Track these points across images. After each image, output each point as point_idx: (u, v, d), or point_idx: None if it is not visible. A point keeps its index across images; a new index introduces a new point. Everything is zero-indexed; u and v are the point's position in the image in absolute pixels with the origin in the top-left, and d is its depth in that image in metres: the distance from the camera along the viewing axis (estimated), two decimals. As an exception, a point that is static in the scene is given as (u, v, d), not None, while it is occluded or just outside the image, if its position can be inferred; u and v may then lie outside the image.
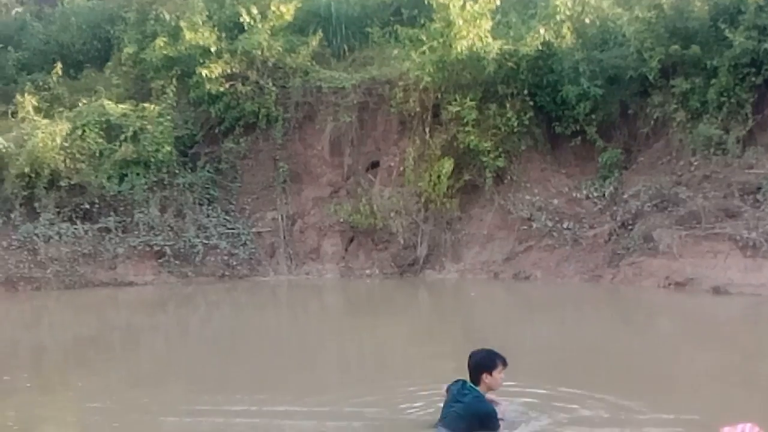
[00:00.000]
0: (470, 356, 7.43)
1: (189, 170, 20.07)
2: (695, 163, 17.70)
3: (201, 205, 19.77)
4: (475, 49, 18.75)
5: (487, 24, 18.86)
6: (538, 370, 9.63)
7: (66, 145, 18.89)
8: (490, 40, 18.82)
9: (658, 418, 8.06)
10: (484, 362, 7.33)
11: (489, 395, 7.42)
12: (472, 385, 7.30)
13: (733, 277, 15.59)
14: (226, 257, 19.09)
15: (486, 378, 7.27)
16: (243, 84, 20.37)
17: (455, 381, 7.47)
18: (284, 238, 19.78)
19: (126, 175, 19.32)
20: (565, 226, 18.25)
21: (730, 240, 16.08)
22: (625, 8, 19.50)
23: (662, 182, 17.68)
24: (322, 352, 12.40)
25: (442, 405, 7.53)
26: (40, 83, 21.30)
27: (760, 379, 9.98)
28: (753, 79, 17.28)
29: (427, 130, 19.52)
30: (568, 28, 19.07)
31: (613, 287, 16.68)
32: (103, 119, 19.55)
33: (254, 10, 20.23)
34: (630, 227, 17.47)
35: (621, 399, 8.50)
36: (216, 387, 9.77)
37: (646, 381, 9.46)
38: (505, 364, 7.34)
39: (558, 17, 19.14)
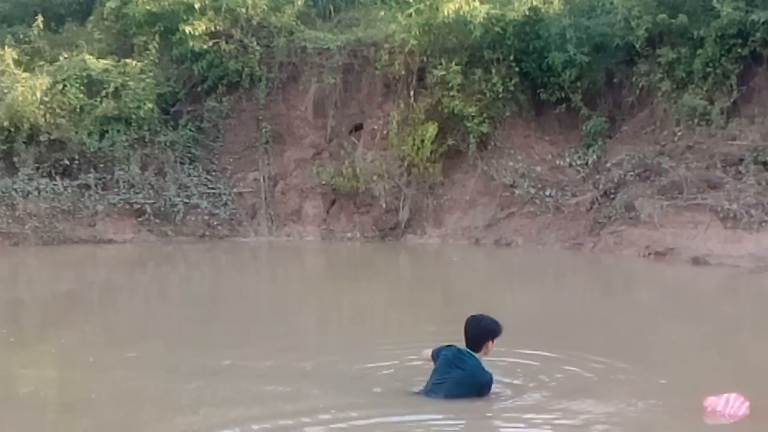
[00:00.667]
0: (472, 321, 7.16)
1: (170, 128, 19.92)
2: (679, 134, 17.70)
3: (182, 163, 19.64)
4: (461, 13, 18.61)
5: (474, -12, 18.71)
6: (517, 335, 9.62)
7: (46, 99, 18.67)
8: (477, 4, 18.69)
9: (640, 383, 8.09)
10: (491, 327, 7.10)
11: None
12: (470, 351, 7.14)
13: (713, 247, 15.66)
14: (206, 217, 19.00)
15: (489, 344, 7.13)
16: (227, 42, 20.17)
17: (446, 346, 7.26)
18: (265, 199, 19.70)
19: (107, 131, 19.14)
20: (547, 193, 18.26)
21: (711, 211, 16.14)
22: (614, -25, 19.37)
23: (645, 152, 17.69)
24: (301, 313, 12.37)
25: (431, 370, 7.37)
26: (21, 36, 20.98)
27: (736, 348, 10.06)
28: (739, 50, 17.25)
29: (411, 93, 19.43)
30: (556, -7, 18.95)
31: (593, 256, 16.74)
32: (84, 74, 19.31)
33: (240, -32, 19.98)
34: (612, 196, 17.49)
35: (600, 363, 8.53)
36: (195, 346, 9.72)
37: (625, 347, 9.49)
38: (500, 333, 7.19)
39: (546, -18, 18.99)
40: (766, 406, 6.96)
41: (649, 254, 16.15)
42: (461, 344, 7.18)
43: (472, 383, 7.03)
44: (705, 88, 17.55)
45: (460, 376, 7.01)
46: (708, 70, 17.48)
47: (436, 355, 7.30)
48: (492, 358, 7.41)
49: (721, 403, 6.86)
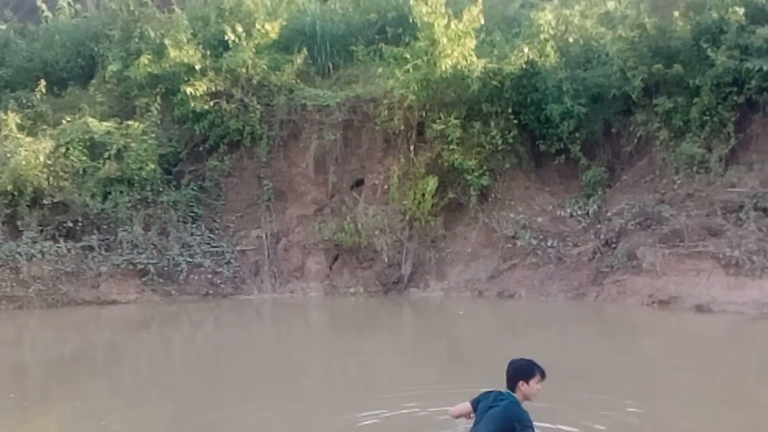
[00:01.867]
0: (509, 363, 7.32)
1: (173, 188, 20.04)
2: (678, 182, 17.81)
3: (185, 223, 19.72)
4: (459, 68, 18.81)
5: (471, 42, 18.93)
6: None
7: (49, 162, 18.81)
8: (474, 58, 18.89)
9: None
10: (522, 370, 7.24)
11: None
12: (509, 392, 7.22)
13: (716, 295, 15.67)
14: (210, 275, 19.03)
15: (522, 386, 7.19)
16: (227, 102, 20.37)
17: (485, 392, 7.36)
18: (268, 256, 19.74)
19: (110, 193, 19.25)
20: (549, 244, 18.30)
21: (713, 258, 16.17)
22: (608, 27, 19.65)
23: (645, 200, 17.78)
24: (307, 370, 12.35)
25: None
26: (24, 101, 21.20)
27: (742, 395, 10.02)
28: (735, 98, 17.45)
29: (411, 148, 19.58)
30: (552, 47, 19.16)
31: (597, 305, 16.73)
32: (86, 137, 19.49)
33: (239, 28, 20.24)
34: (614, 245, 17.52)
35: (608, 413, 8.51)
36: (200, 405, 9.71)
37: (632, 396, 9.47)
38: (543, 375, 7.25)
39: (542, 36, 19.22)
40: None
41: (653, 303, 16.15)
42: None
43: (508, 418, 7.05)
44: (702, 136, 17.70)
45: (496, 412, 7.09)
46: (705, 118, 17.65)
47: (476, 403, 7.35)
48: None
49: None
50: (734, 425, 8.31)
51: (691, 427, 8.16)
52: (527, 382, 7.17)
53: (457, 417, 7.58)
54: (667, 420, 8.51)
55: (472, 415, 7.37)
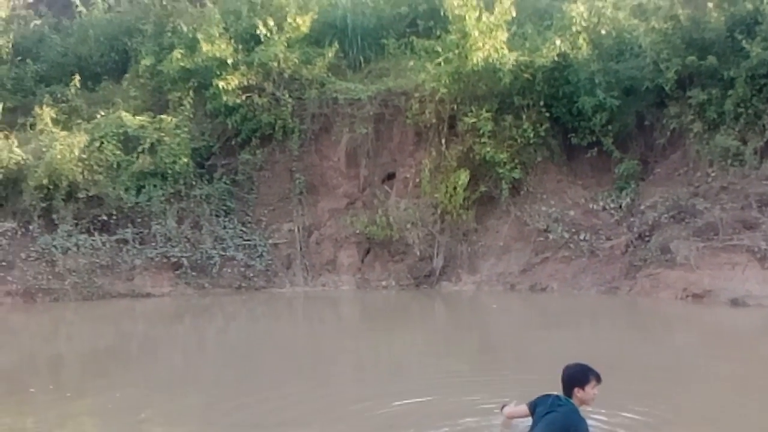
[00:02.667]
0: (563, 370, 7.28)
1: (206, 182, 20.17)
2: (712, 174, 17.67)
3: (218, 216, 19.85)
4: (490, 61, 18.76)
5: (502, 35, 18.88)
6: (556, 382, 9.60)
7: (84, 156, 19.00)
8: (505, 51, 18.83)
9: (682, 427, 8.05)
10: (576, 376, 7.20)
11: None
12: (567, 398, 7.21)
13: (752, 288, 15.54)
14: (242, 269, 19.14)
15: (578, 392, 7.17)
16: (259, 96, 20.45)
17: (543, 395, 7.35)
18: (300, 249, 19.82)
19: (143, 186, 19.43)
20: (581, 237, 18.23)
21: (748, 252, 16.03)
22: (641, 19, 19.49)
23: (679, 193, 17.66)
24: (338, 361, 12.40)
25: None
26: (59, 95, 21.46)
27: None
28: (770, 89, 17.26)
29: (443, 141, 19.56)
30: (584, 39, 19.07)
31: (630, 299, 16.65)
32: (120, 131, 19.67)
33: (271, 22, 20.33)
34: (647, 239, 17.42)
35: (641, 408, 8.48)
36: (234, 398, 9.78)
37: (666, 391, 9.42)
38: (598, 379, 7.23)
39: (574, 28, 19.13)
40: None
41: (687, 297, 16.05)
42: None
43: (566, 426, 7.03)
44: (737, 129, 17.54)
45: (554, 418, 7.06)
46: (740, 110, 17.49)
47: (533, 407, 7.36)
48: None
49: None
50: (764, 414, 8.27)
51: (724, 420, 8.10)
52: (583, 388, 7.15)
53: (512, 419, 7.60)
54: (700, 412, 8.46)
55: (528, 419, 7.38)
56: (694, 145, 18.14)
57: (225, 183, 20.29)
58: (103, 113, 20.28)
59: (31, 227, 18.57)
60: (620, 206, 18.45)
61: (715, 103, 17.82)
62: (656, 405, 8.78)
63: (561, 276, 17.90)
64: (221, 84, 19.99)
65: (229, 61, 20.23)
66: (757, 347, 12.84)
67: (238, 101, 20.30)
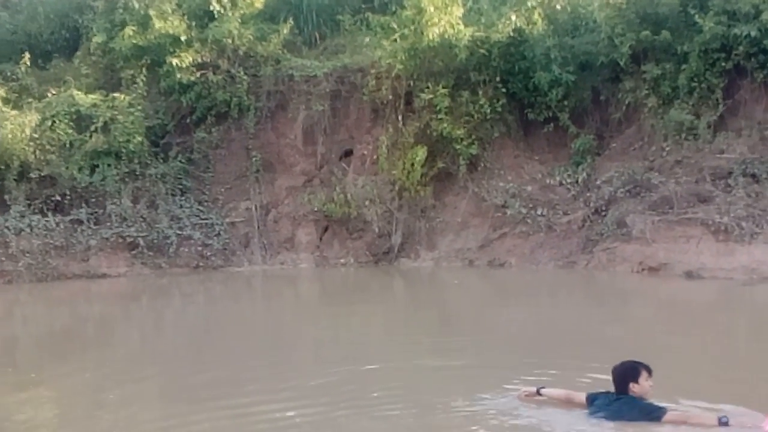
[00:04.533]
0: (613, 370, 7.34)
1: (161, 161, 19.96)
2: (667, 149, 17.84)
3: (174, 195, 19.67)
4: (446, 36, 18.74)
5: (458, 11, 18.87)
6: (515, 354, 9.67)
7: (35, 136, 18.71)
8: (461, 27, 18.82)
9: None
10: (628, 373, 7.26)
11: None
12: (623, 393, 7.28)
13: (706, 261, 15.75)
14: (199, 248, 19.01)
15: (633, 387, 7.23)
16: (214, 73, 20.26)
17: (601, 393, 7.43)
18: (258, 228, 19.73)
19: (97, 166, 19.18)
20: (539, 212, 18.33)
21: (703, 225, 16.23)
22: (596, -6, 19.57)
23: (635, 168, 17.81)
24: (298, 341, 12.34)
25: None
26: (8, 74, 21.04)
27: (732, 356, 10.09)
28: (723, 64, 17.44)
29: (400, 117, 19.52)
30: (539, 14, 19.12)
31: (587, 273, 16.80)
32: (72, 110, 19.37)
33: (224, -2, 20.09)
34: (603, 213, 17.58)
35: (598, 376, 8.56)
36: (194, 377, 9.70)
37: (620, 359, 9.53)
38: (649, 371, 7.28)
39: (529, 3, 19.21)
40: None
41: (643, 270, 16.22)
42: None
43: (637, 409, 7.14)
44: (691, 103, 17.71)
45: (622, 405, 7.18)
46: (693, 84, 17.65)
47: (591, 400, 7.41)
48: (490, 376, 7.41)
49: None
50: (725, 385, 8.37)
51: (679, 387, 8.20)
52: (637, 382, 7.21)
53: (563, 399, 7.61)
54: (657, 381, 8.57)
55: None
56: (648, 119, 18.29)
57: (180, 162, 20.09)
58: (54, 92, 19.96)
59: (-18, 208, 18.28)
60: (577, 181, 18.57)
61: (669, 77, 17.97)
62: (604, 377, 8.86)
63: (519, 251, 18.00)
64: (175, 61, 19.75)
65: (183, 38, 19.99)
66: (711, 318, 13.01)
67: (193, 79, 20.09)
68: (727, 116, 17.73)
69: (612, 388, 7.35)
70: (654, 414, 7.07)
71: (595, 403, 7.35)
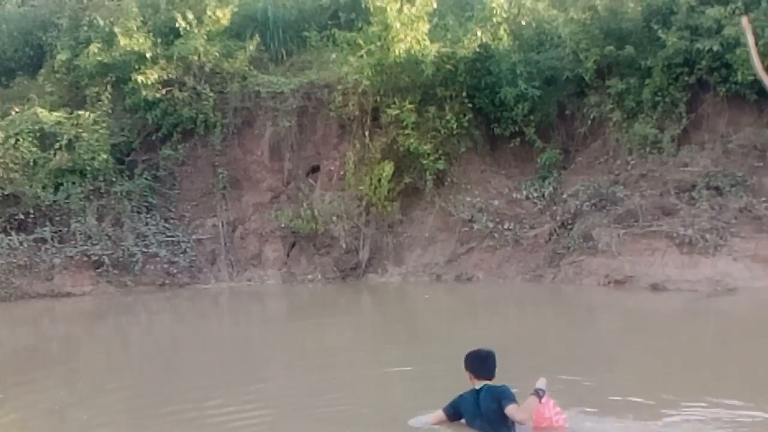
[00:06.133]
0: (484, 355, 7.44)
1: (126, 178, 19.80)
2: (632, 162, 17.98)
3: (139, 213, 19.51)
4: (413, 52, 18.76)
5: (424, 27, 18.89)
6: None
7: (-1, 154, 18.51)
8: (427, 42, 18.85)
9: (604, 398, 8.24)
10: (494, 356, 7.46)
11: None
12: (484, 384, 7.34)
13: (671, 273, 15.86)
14: (166, 265, 18.86)
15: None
16: (180, 90, 20.15)
17: (458, 397, 7.48)
18: (225, 244, 19.62)
19: (61, 184, 18.99)
20: (505, 226, 18.37)
21: (667, 237, 16.35)
22: (560, 10, 19.73)
23: (600, 181, 17.92)
24: (266, 357, 12.30)
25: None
26: (-29, 91, 20.83)
27: (698, 365, 10.19)
28: (686, 78, 17.64)
29: (366, 133, 19.52)
30: (505, 30, 19.19)
31: (554, 286, 16.85)
32: (36, 127, 19.17)
33: (190, 15, 20.00)
34: (569, 227, 17.65)
35: (565, 387, 8.62)
36: (159, 395, 9.62)
37: (589, 368, 9.59)
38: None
39: (494, 19, 19.22)
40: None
41: (609, 283, 16.30)
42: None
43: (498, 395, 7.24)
44: (655, 117, 17.87)
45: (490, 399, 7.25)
46: (657, 99, 17.82)
47: (454, 409, 7.43)
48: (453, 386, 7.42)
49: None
50: (690, 392, 8.45)
51: (646, 395, 8.28)
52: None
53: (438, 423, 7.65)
54: (622, 390, 8.67)
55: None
56: (613, 133, 18.43)
57: (146, 179, 19.94)
58: (17, 109, 19.75)
59: (-56, 227, 18.04)
60: (543, 195, 18.64)
61: (633, 92, 18.12)
62: (580, 384, 8.93)
63: (486, 265, 18.03)
64: (140, 78, 19.62)
65: (148, 55, 19.86)
66: (677, 329, 13.11)
67: (158, 96, 19.97)
68: (690, 130, 17.92)
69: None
70: (508, 399, 7.20)
71: (463, 407, 7.38)
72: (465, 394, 7.43)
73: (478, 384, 7.35)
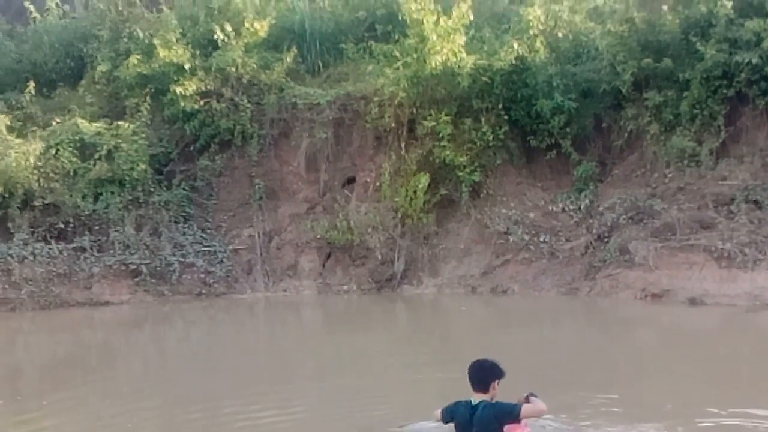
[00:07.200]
0: (479, 365, 7.27)
1: (164, 188, 19.98)
2: (669, 175, 17.85)
3: (177, 223, 19.66)
4: (449, 64, 18.80)
5: (460, 39, 18.92)
6: (517, 379, 9.62)
7: (40, 164, 18.74)
8: (464, 55, 18.87)
9: (639, 411, 8.20)
10: (495, 370, 7.21)
11: None
12: (481, 400, 7.19)
13: (709, 288, 15.71)
14: (202, 275, 18.99)
15: (496, 385, 7.19)
16: (218, 101, 20.32)
17: (452, 404, 7.35)
18: (261, 255, 19.72)
19: (101, 193, 19.19)
20: (541, 239, 18.31)
21: (705, 251, 16.20)
22: (598, 22, 19.67)
23: (637, 194, 17.81)
24: (300, 368, 12.35)
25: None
26: (13, 102, 21.06)
27: (736, 383, 10.09)
28: (725, 91, 17.47)
29: (402, 145, 19.55)
30: (542, 42, 19.17)
31: (590, 300, 16.76)
32: (76, 138, 19.41)
33: (228, 27, 20.20)
34: (606, 240, 17.55)
35: (603, 400, 8.59)
36: (195, 404, 9.69)
37: (623, 382, 9.55)
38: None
39: (531, 32, 19.21)
40: None
41: (646, 296, 16.19)
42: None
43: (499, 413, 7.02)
44: (693, 130, 17.73)
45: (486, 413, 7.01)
46: (695, 111, 17.68)
47: (448, 415, 7.34)
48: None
49: None
50: (728, 405, 8.38)
51: (682, 408, 8.23)
52: (498, 382, 7.16)
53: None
54: (657, 403, 8.61)
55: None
56: (650, 146, 18.32)
57: (184, 189, 20.11)
58: (58, 120, 19.98)
59: (-14, 236, 18.29)
60: (579, 208, 18.57)
61: (671, 104, 17.99)
62: (614, 400, 8.88)
63: (521, 278, 17.97)
64: (179, 90, 19.82)
65: (187, 67, 20.06)
66: (715, 344, 13.00)
67: (196, 107, 20.15)
68: (729, 143, 17.75)
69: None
70: (515, 411, 6.94)
71: (457, 415, 7.28)
72: (461, 402, 7.31)
73: (475, 399, 7.20)
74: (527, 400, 7.13)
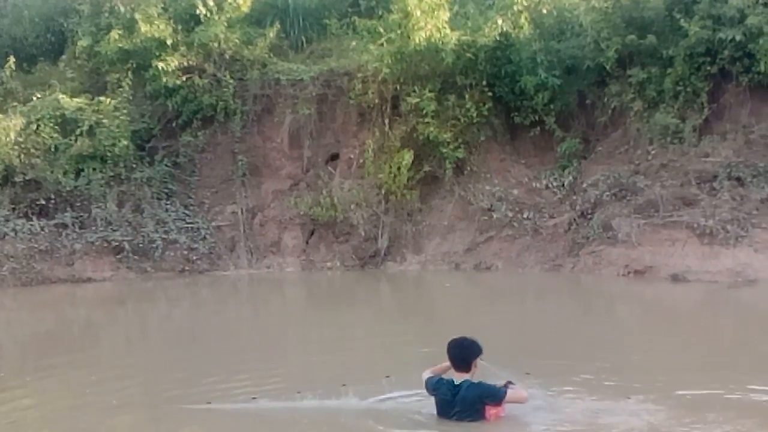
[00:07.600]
0: (457, 346, 7.32)
1: (146, 164, 19.88)
2: (652, 152, 17.89)
3: (159, 199, 19.58)
4: (433, 41, 18.74)
5: (444, 15, 18.88)
6: (504, 355, 9.65)
7: (20, 140, 18.62)
8: (448, 31, 18.82)
9: (620, 384, 8.34)
10: (474, 348, 7.26)
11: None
12: (464, 380, 7.22)
13: (691, 264, 15.80)
14: (185, 252, 18.93)
15: (476, 363, 7.24)
16: (200, 77, 20.20)
17: (438, 379, 7.38)
18: (244, 231, 19.67)
19: (82, 170, 19.08)
20: (525, 216, 18.35)
21: (688, 228, 16.28)
22: (582, -1, 19.62)
23: (620, 171, 17.86)
24: (284, 344, 12.33)
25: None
26: (-7, 78, 20.92)
27: (717, 358, 10.14)
28: (708, 68, 17.52)
29: (386, 121, 19.51)
30: (526, 18, 19.13)
31: (573, 276, 16.82)
32: (57, 113, 19.26)
33: (210, 2, 20.06)
34: (589, 216, 17.61)
35: (584, 377, 8.63)
36: (178, 382, 9.66)
37: (608, 362, 9.57)
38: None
39: (515, 8, 19.18)
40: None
41: (629, 273, 16.25)
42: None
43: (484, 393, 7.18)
44: (676, 107, 17.77)
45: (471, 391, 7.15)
46: (678, 88, 17.72)
47: (431, 388, 7.39)
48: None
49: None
50: (710, 386, 8.42)
51: (665, 388, 8.25)
52: (478, 359, 7.26)
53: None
54: (639, 376, 8.68)
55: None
56: (634, 123, 18.35)
57: (166, 165, 20.02)
58: (39, 95, 19.84)
59: (-34, 212, 18.16)
60: (563, 184, 18.61)
61: (655, 81, 18.02)
62: (597, 371, 8.93)
63: (505, 254, 18.01)
64: (161, 65, 19.69)
65: (169, 42, 19.91)
66: (696, 320, 13.08)
67: (179, 82, 20.03)
68: (712, 120, 17.80)
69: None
70: (500, 394, 7.15)
71: (439, 391, 7.33)
72: (443, 380, 7.36)
73: (458, 378, 7.24)
74: (506, 387, 7.21)
